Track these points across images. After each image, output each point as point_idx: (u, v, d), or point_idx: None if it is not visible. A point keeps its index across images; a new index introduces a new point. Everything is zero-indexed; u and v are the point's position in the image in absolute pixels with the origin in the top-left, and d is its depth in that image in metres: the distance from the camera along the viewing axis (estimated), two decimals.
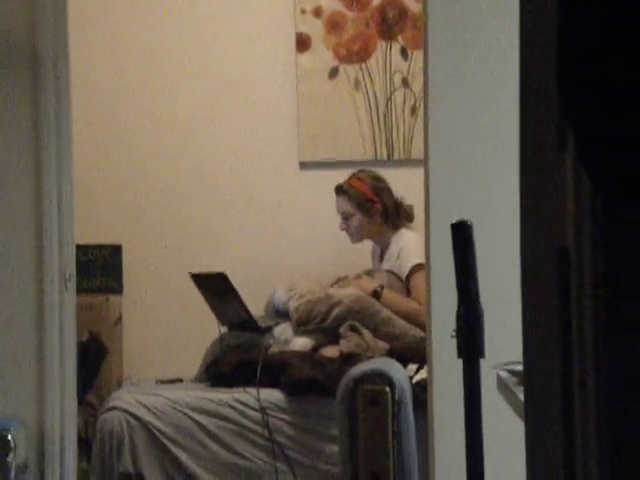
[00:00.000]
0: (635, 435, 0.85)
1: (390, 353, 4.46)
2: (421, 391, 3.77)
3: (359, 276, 4.88)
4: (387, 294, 4.68)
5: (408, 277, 4.71)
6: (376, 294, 4.68)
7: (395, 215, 4.82)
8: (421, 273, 4.39)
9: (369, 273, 4.92)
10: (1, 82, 3.75)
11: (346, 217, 4.87)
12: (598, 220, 0.86)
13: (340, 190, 4.88)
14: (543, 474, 1.05)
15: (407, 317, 4.60)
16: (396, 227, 4.83)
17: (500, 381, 1.94)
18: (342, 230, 4.91)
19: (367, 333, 4.56)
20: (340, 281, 4.91)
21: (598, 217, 0.86)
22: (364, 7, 5.39)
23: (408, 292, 4.73)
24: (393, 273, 4.77)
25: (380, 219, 4.83)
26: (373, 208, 4.82)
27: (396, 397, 3.48)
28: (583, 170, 0.88)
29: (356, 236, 4.91)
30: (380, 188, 4.85)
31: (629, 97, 0.84)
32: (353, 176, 4.90)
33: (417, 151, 5.06)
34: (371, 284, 4.73)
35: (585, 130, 0.85)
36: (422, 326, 4.13)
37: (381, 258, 4.91)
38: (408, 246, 4.72)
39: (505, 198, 3.16)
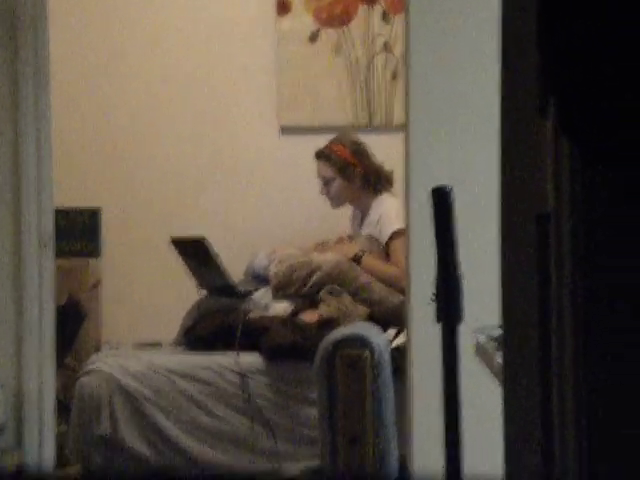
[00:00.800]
0: (612, 397, 0.86)
1: (369, 318, 4.47)
2: (399, 355, 3.79)
3: (341, 240, 4.88)
4: (367, 259, 4.69)
5: (388, 242, 4.72)
6: (356, 258, 4.69)
7: (376, 180, 4.82)
8: (401, 238, 4.40)
9: (350, 238, 4.93)
10: None
11: (327, 182, 4.87)
12: (577, 186, 0.86)
13: (321, 155, 4.87)
14: (520, 437, 1.06)
15: (387, 282, 4.61)
16: (377, 192, 4.82)
17: (478, 346, 1.95)
18: (322, 195, 4.90)
19: (346, 298, 4.57)
20: (320, 246, 4.91)
21: (578, 182, 0.86)
22: None
23: (388, 257, 4.74)
24: (373, 238, 4.77)
25: (360, 183, 4.83)
26: (354, 172, 4.81)
27: (375, 361, 3.49)
28: (563, 135, 0.88)
29: (336, 201, 4.90)
30: (361, 152, 4.85)
31: (609, 64, 0.84)
32: (334, 140, 4.88)
33: (398, 116, 5.06)
34: (352, 248, 4.74)
35: (566, 96, 0.85)
36: (402, 291, 4.14)
37: (361, 223, 4.91)
38: (388, 211, 4.72)
39: (485, 164, 3.17)
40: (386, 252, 4.74)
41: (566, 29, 0.84)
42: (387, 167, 4.84)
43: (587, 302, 0.87)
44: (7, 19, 3.73)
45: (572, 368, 0.87)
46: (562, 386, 0.89)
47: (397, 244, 4.59)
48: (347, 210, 5.01)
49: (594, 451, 0.87)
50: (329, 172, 4.84)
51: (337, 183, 4.84)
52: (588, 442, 0.86)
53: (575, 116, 0.84)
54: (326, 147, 4.86)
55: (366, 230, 4.82)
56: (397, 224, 4.58)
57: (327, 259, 4.69)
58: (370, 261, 4.69)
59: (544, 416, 0.96)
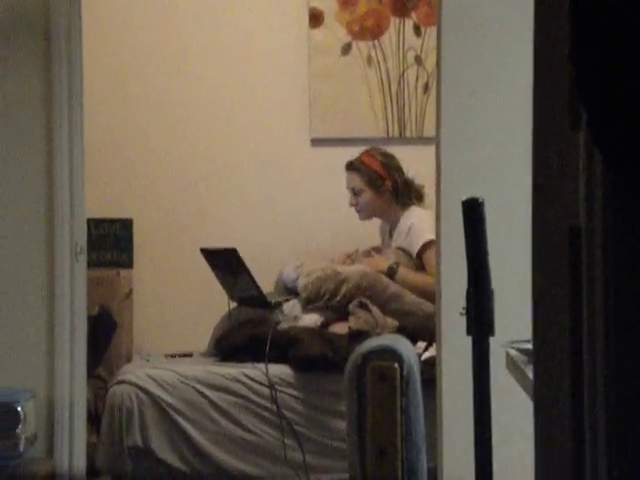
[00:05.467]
0: None
1: (399, 330, 4.46)
2: (429, 369, 3.78)
3: (368, 254, 4.87)
4: (402, 271, 4.68)
5: (420, 253, 4.71)
6: (391, 271, 4.68)
7: (405, 194, 4.82)
8: (434, 248, 4.39)
9: (377, 250, 4.92)
10: (13, 56, 3.75)
11: (356, 193, 4.87)
12: (610, 199, 0.86)
13: (350, 166, 4.88)
14: (551, 451, 1.06)
15: (424, 292, 4.57)
16: (406, 205, 4.82)
17: (509, 359, 1.94)
18: (351, 206, 4.90)
19: (376, 310, 4.56)
20: (349, 258, 4.90)
21: (610, 196, 0.86)
22: None
23: (419, 269, 4.72)
24: (403, 250, 4.76)
25: (389, 197, 4.83)
26: (383, 185, 4.82)
27: (404, 373, 3.48)
28: (595, 149, 0.88)
29: (365, 213, 4.90)
30: (391, 166, 4.85)
31: None
32: (364, 153, 4.89)
33: (429, 129, 5.05)
34: (384, 262, 4.73)
35: (598, 109, 0.85)
36: None
37: (390, 236, 4.90)
38: (419, 222, 4.71)
39: (517, 176, 3.16)
40: (416, 264, 4.73)
41: (599, 42, 0.84)
42: (418, 182, 4.83)
43: (619, 316, 0.86)
44: (41, 31, 3.76)
45: (604, 382, 0.87)
46: (594, 401, 0.88)
47: (431, 254, 4.58)
48: (377, 221, 5.01)
49: (626, 467, 0.86)
50: (358, 183, 4.84)
51: (366, 195, 4.84)
52: (620, 457, 0.86)
53: (607, 129, 0.84)
54: (356, 159, 4.88)
55: (396, 242, 4.82)
56: (429, 235, 4.57)
57: (354, 270, 4.69)
58: (405, 273, 4.68)
59: (575, 430, 0.96)
